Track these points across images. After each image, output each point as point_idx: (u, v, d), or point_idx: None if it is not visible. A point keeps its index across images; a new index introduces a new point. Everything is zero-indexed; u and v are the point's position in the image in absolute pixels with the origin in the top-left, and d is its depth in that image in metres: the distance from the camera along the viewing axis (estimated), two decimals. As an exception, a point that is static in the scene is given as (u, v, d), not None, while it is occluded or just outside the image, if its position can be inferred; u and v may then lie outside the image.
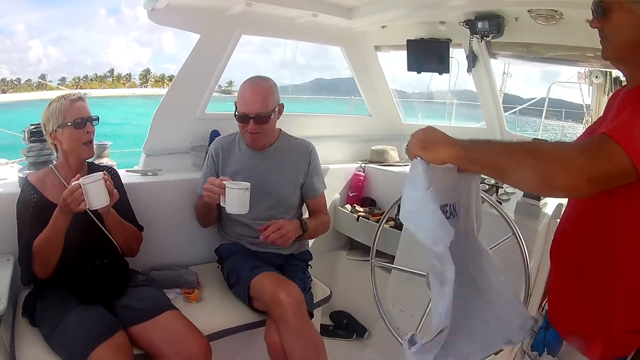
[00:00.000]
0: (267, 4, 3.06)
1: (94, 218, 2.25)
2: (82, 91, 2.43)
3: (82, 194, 2.01)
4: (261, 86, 2.60)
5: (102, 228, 2.28)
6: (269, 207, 2.69)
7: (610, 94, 1.73)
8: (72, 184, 2.02)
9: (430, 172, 1.42)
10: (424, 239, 1.41)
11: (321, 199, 2.88)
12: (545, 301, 1.70)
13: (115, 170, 2.57)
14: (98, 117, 2.35)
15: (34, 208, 2.20)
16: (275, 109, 2.62)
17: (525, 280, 2.24)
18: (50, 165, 2.39)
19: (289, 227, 2.55)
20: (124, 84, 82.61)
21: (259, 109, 2.54)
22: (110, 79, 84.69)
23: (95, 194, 2.06)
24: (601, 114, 1.48)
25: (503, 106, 3.92)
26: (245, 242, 2.74)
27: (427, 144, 1.40)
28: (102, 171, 2.27)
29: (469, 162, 1.36)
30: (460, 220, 1.66)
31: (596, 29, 1.44)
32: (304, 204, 2.89)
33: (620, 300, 1.34)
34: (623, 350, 1.37)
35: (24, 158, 2.71)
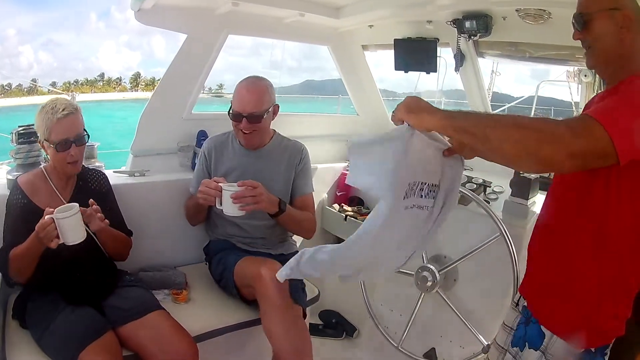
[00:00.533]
0: (254, 3, 3.05)
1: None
2: (75, 96, 2.39)
3: (56, 228, 1.92)
4: (256, 85, 2.60)
5: (91, 233, 2.21)
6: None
7: (600, 92, 1.79)
8: (45, 217, 1.92)
9: (414, 144, 1.43)
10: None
11: (308, 199, 2.82)
12: (519, 297, 1.73)
13: (104, 174, 2.53)
14: (87, 134, 2.27)
15: (19, 213, 2.17)
16: (270, 109, 2.62)
17: (514, 280, 2.25)
18: (41, 166, 2.35)
19: (264, 191, 2.44)
20: (114, 88, 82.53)
21: (252, 108, 2.54)
22: (101, 83, 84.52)
23: (71, 229, 1.95)
24: None
25: (492, 104, 3.94)
26: (235, 240, 2.73)
27: (413, 109, 1.40)
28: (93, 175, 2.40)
29: (454, 130, 1.36)
30: (435, 204, 1.63)
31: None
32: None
33: (604, 288, 1.42)
34: (605, 338, 1.47)
35: (12, 160, 2.70)
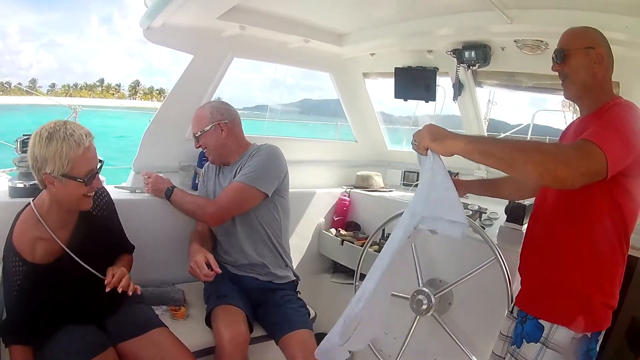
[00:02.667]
0: (260, 28, 3.14)
1: (82, 263, 2.05)
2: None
3: None
4: (197, 112, 2.82)
5: (93, 271, 2.06)
6: (242, 219, 2.75)
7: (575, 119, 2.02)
8: None
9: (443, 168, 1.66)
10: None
11: (232, 186, 2.67)
12: (513, 306, 1.97)
13: (107, 193, 2.36)
14: (103, 161, 2.05)
15: (21, 280, 1.95)
16: (211, 128, 2.74)
17: (508, 303, 2.28)
18: (31, 204, 2.03)
19: (155, 181, 2.90)
20: (113, 94, 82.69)
21: (194, 130, 2.80)
22: (100, 89, 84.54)
23: None
24: None
25: (488, 133, 3.99)
26: (226, 264, 2.77)
27: (437, 136, 1.61)
28: (88, 234, 2.12)
29: (480, 155, 1.55)
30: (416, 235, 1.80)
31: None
32: (280, 206, 2.83)
33: (591, 282, 1.68)
34: (598, 325, 1.72)
35: (14, 168, 2.67)
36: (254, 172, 2.63)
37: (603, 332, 1.76)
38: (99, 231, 2.20)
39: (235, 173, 2.71)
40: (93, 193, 2.04)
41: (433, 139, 1.62)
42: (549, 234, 1.81)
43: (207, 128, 2.73)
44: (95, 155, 1.97)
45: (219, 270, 2.38)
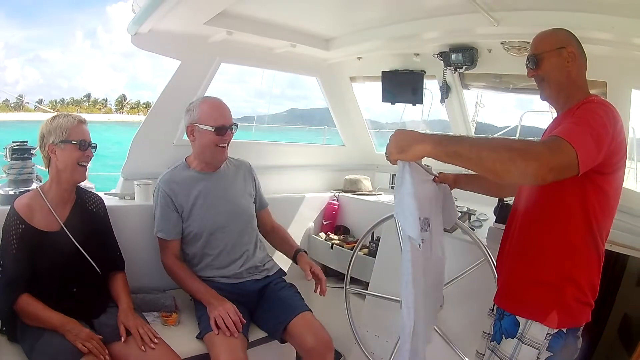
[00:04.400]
0: (247, 33, 3.14)
1: (76, 242, 2.25)
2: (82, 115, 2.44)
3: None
4: (224, 102, 2.72)
5: (84, 253, 2.27)
6: (240, 219, 2.75)
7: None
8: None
9: (414, 177, 1.71)
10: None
11: (268, 209, 3.02)
12: (493, 305, 1.98)
13: (101, 198, 2.53)
14: (97, 145, 2.33)
15: (19, 239, 2.13)
16: None
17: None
18: (36, 187, 2.33)
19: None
20: (100, 109, 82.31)
21: (232, 119, 2.69)
22: (87, 104, 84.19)
23: None
24: None
25: (476, 136, 4.01)
26: (219, 279, 2.69)
27: (402, 146, 1.62)
28: (91, 197, 2.44)
29: (448, 156, 1.54)
30: (432, 234, 1.91)
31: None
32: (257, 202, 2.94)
33: (567, 276, 1.68)
34: (575, 320, 1.72)
35: (4, 175, 2.68)
36: None
37: (580, 329, 1.76)
38: (93, 224, 2.39)
39: (227, 178, 2.78)
40: (87, 164, 2.29)
41: (399, 150, 1.63)
42: (522, 231, 1.83)
43: None
44: (88, 133, 2.29)
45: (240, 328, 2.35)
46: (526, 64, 1.86)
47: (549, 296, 1.70)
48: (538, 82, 1.86)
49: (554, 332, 1.68)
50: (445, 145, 1.55)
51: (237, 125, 2.70)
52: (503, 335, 1.78)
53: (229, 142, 2.69)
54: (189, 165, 2.76)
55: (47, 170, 2.31)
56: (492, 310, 2.00)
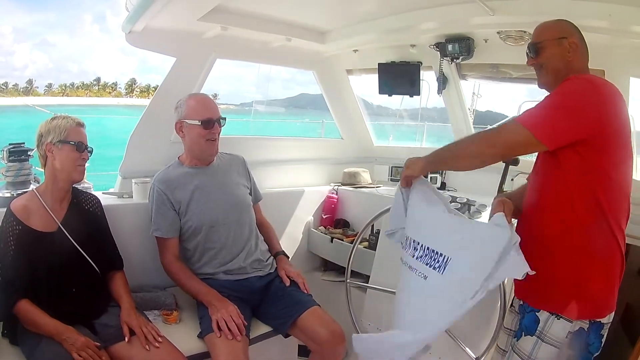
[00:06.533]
0: (242, 28, 3.13)
1: (74, 242, 2.24)
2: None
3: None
4: (210, 97, 2.80)
5: (82, 252, 2.26)
6: (236, 209, 2.74)
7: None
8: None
9: (412, 199, 2.07)
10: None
11: (260, 205, 3.02)
12: (513, 298, 2.01)
13: (98, 198, 2.53)
14: (93, 149, 2.35)
15: (17, 240, 2.12)
16: None
17: (500, 295, 2.28)
18: (32, 189, 2.32)
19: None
20: (109, 92, 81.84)
21: (219, 113, 2.70)
22: (97, 88, 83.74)
23: None
24: None
25: (475, 126, 4.00)
26: (222, 275, 2.67)
27: (407, 164, 2.02)
28: (87, 197, 2.44)
29: (436, 163, 2.08)
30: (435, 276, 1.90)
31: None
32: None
33: (582, 264, 1.69)
34: (597, 310, 1.72)
35: (1, 177, 2.67)
36: None
37: (606, 326, 1.75)
38: (90, 224, 2.38)
39: (221, 171, 2.79)
40: (84, 166, 2.31)
41: (405, 167, 2.02)
42: (534, 224, 1.83)
43: None
44: (85, 136, 2.31)
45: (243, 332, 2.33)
46: (527, 53, 1.87)
47: (571, 287, 1.70)
48: (537, 70, 1.87)
49: (576, 329, 1.70)
50: (433, 155, 1.93)
51: (224, 119, 2.70)
52: (523, 332, 1.78)
53: (219, 135, 2.68)
54: (182, 163, 2.76)
55: (43, 170, 2.32)
56: (512, 305, 2.03)
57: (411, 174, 2.00)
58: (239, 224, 2.71)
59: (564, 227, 1.70)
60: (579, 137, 1.60)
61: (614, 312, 1.77)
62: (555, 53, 1.78)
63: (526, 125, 1.64)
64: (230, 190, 2.76)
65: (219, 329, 2.29)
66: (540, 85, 1.89)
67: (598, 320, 1.72)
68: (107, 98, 76.80)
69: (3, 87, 70.49)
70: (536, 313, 1.75)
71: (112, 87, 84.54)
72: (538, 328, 1.73)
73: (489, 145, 1.78)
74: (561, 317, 1.70)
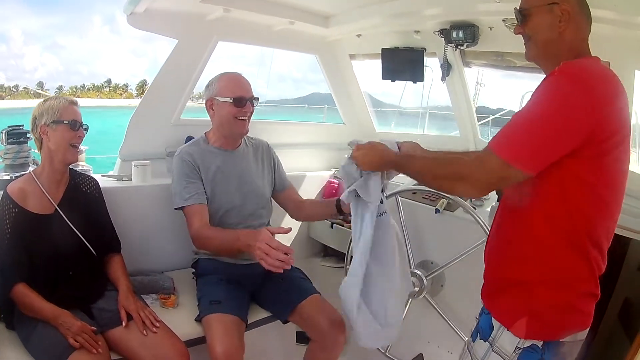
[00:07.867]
0: (245, 10, 3.09)
1: (70, 224, 2.24)
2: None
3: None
4: (243, 76, 2.68)
5: (79, 234, 2.26)
6: (254, 201, 2.70)
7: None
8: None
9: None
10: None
11: (293, 187, 2.99)
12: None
13: (96, 180, 2.51)
14: (88, 126, 2.34)
15: (13, 223, 2.13)
16: None
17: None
18: (29, 171, 2.33)
19: None
20: (120, 94, 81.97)
21: (252, 92, 2.64)
22: (107, 89, 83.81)
23: None
24: None
25: (478, 116, 3.97)
26: (224, 258, 2.65)
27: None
28: (85, 179, 2.44)
29: (398, 167, 1.83)
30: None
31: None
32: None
33: (546, 282, 1.46)
34: (549, 333, 1.47)
35: (0, 160, 2.68)
36: None
37: (569, 344, 1.49)
38: (87, 206, 2.39)
39: (247, 158, 2.76)
40: (78, 146, 2.30)
41: (360, 154, 1.93)
42: (499, 226, 1.66)
43: None
44: (79, 113, 2.30)
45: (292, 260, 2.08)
46: (515, 17, 1.64)
47: (518, 299, 1.50)
48: (525, 41, 1.63)
49: (526, 345, 1.47)
50: (403, 161, 1.78)
51: (257, 99, 2.65)
52: (479, 334, 1.63)
53: (250, 115, 2.63)
54: (208, 141, 2.70)
55: (39, 153, 2.31)
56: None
57: (360, 166, 1.92)
58: (250, 214, 2.68)
59: (522, 232, 1.52)
60: (563, 153, 1.35)
61: (587, 329, 1.53)
62: (544, 22, 1.53)
63: (505, 156, 1.36)
64: (251, 180, 2.71)
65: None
66: (527, 58, 1.65)
67: (554, 340, 1.48)
68: (118, 99, 76.94)
69: (14, 89, 70.92)
70: (492, 319, 1.58)
71: (123, 89, 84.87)
72: (491, 335, 1.56)
73: (465, 179, 1.46)
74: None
